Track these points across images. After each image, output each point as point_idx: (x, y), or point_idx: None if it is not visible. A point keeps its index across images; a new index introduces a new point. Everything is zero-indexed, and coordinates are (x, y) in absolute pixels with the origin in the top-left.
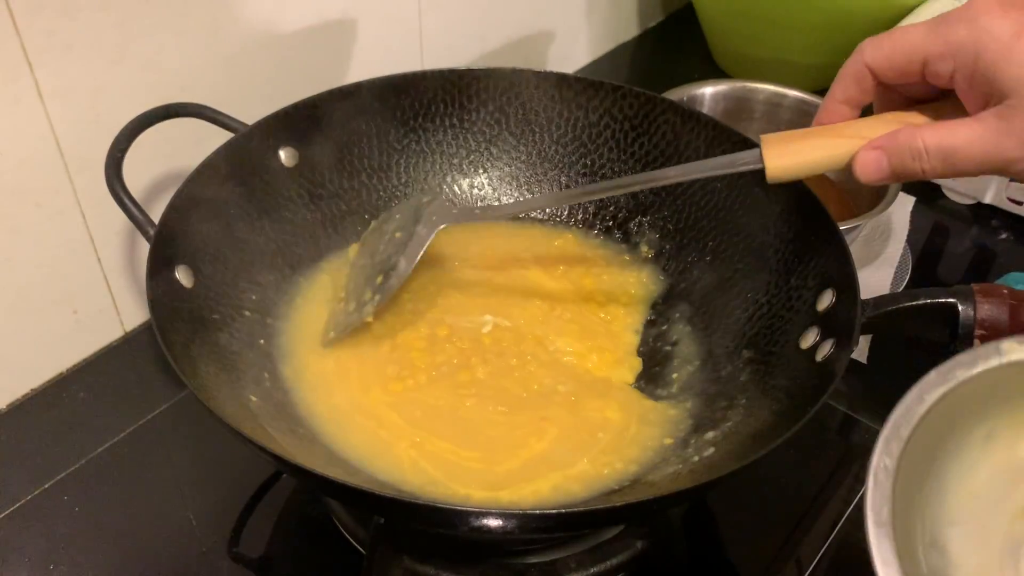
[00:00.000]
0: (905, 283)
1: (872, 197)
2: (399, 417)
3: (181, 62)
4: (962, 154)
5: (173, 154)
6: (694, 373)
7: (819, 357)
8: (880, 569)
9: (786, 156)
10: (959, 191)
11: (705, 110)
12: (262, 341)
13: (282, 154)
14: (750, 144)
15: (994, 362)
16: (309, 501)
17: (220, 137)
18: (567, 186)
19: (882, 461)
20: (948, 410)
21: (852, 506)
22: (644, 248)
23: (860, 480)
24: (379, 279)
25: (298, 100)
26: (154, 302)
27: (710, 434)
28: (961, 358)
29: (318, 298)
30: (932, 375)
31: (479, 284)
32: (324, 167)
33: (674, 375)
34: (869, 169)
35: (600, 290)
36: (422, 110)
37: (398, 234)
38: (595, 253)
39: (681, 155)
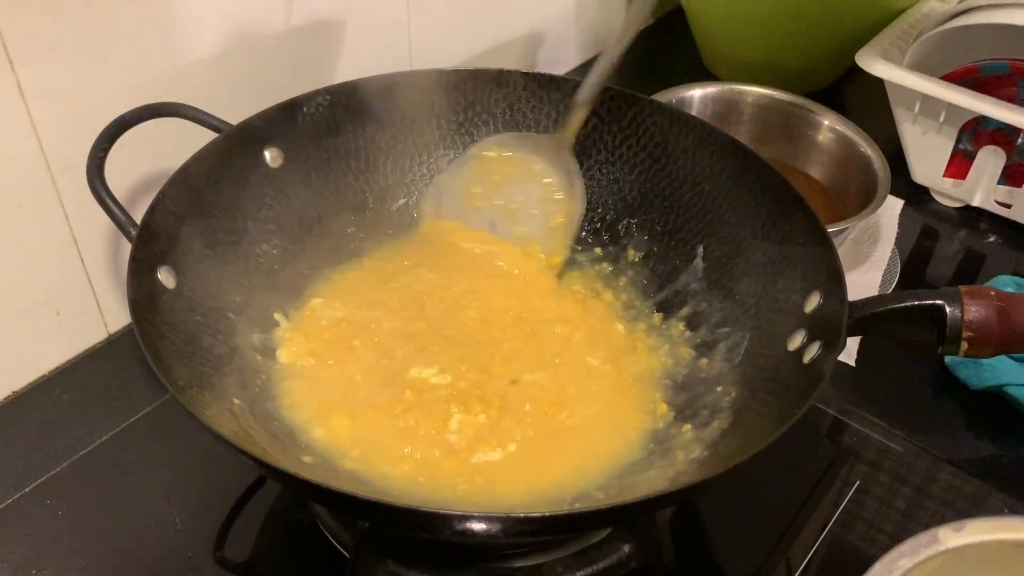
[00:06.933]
0: (894, 286)
1: (860, 199)
2: (385, 423)
3: (166, 62)
4: None
5: (157, 154)
6: (680, 375)
7: (806, 359)
8: None
9: None
10: (948, 194)
11: (694, 112)
12: (247, 345)
13: (267, 154)
14: (738, 146)
15: (933, 550)
16: (294, 505)
17: (204, 137)
18: None
19: None
20: None
21: (841, 509)
22: (631, 252)
23: (849, 483)
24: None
25: (283, 100)
26: (135, 303)
27: (696, 436)
28: (903, 548)
29: (304, 301)
30: (877, 567)
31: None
32: (309, 168)
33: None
34: None
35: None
36: (409, 111)
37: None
38: (583, 257)
39: (670, 156)
